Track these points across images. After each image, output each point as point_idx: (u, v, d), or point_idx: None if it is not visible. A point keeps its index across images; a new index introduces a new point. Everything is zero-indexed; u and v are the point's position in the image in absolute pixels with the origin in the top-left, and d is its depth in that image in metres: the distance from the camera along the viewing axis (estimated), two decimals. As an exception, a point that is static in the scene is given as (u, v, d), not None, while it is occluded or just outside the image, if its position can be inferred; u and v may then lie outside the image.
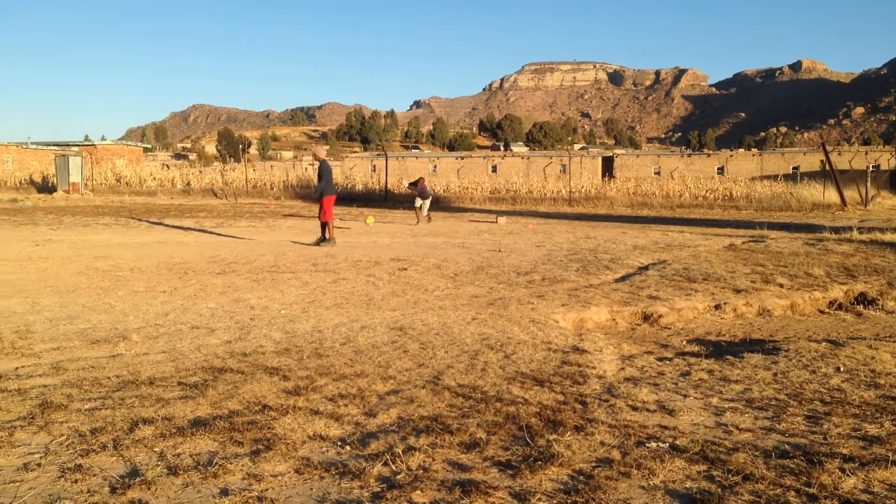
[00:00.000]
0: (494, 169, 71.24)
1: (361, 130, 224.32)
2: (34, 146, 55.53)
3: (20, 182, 44.25)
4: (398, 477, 3.30)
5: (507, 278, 10.11)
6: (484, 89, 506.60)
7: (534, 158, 75.04)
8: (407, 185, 27.10)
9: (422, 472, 3.36)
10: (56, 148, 54.53)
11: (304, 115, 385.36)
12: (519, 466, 3.43)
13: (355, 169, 65.73)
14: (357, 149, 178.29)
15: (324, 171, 14.75)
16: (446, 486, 3.21)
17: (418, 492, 3.14)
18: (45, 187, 41.24)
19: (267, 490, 3.15)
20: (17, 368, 5.36)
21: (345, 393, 4.66)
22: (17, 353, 5.85)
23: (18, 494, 3.10)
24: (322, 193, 14.63)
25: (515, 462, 3.50)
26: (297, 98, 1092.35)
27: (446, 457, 3.56)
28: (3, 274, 10.52)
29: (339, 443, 3.76)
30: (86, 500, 3.05)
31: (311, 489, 3.19)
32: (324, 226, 14.77)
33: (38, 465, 3.44)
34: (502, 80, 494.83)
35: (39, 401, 4.45)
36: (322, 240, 14.54)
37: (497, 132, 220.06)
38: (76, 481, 3.25)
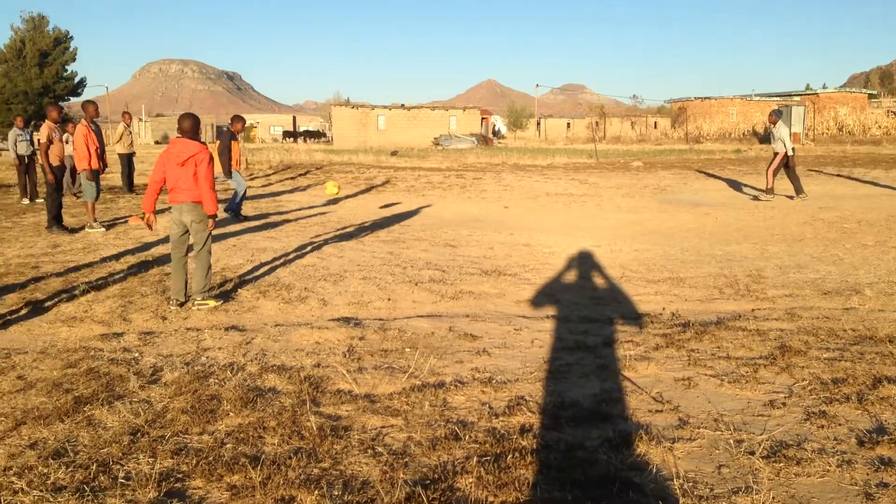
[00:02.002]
0: None
1: None
2: (757, 98, 57.45)
3: (743, 133, 46.57)
4: None
5: None
6: None
7: None
8: None
9: None
10: (778, 98, 55.46)
11: None
12: None
13: None
14: None
15: None
16: None
17: None
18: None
19: None
20: (753, 310, 5.72)
21: None
22: (752, 295, 6.24)
23: (767, 428, 3.32)
24: None
25: None
26: None
27: None
28: (732, 221, 11.29)
29: None
30: (833, 447, 3.08)
31: None
32: None
33: (783, 404, 3.62)
34: None
35: (777, 343, 4.66)
36: None
37: None
38: (822, 427, 3.31)
